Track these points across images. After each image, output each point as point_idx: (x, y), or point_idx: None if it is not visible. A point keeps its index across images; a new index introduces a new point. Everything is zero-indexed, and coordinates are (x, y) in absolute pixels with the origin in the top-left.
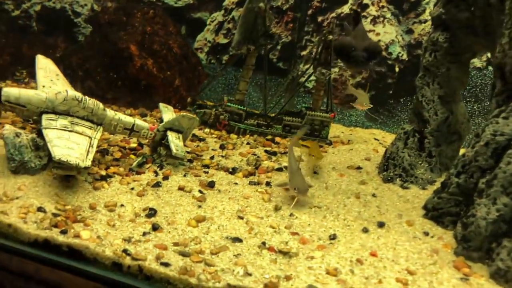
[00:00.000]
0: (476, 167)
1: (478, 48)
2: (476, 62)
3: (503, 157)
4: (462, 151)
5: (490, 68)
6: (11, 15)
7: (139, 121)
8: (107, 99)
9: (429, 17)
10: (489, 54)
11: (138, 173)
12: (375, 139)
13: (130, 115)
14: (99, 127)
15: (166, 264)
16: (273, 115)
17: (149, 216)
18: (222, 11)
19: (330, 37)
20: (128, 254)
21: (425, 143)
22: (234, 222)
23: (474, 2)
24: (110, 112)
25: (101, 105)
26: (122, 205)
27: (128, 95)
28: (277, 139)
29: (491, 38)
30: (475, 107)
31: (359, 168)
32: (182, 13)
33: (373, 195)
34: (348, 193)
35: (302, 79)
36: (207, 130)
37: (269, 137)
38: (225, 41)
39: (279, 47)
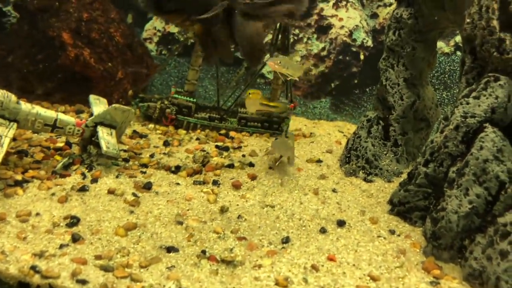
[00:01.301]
0: (446, 154)
1: (445, 23)
2: (444, 47)
3: (475, 142)
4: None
5: (459, 53)
6: None
7: (62, 116)
8: (38, 95)
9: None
10: (457, 38)
11: (62, 176)
12: (340, 131)
13: (64, 112)
14: (12, 123)
15: (83, 282)
16: (226, 101)
17: (70, 225)
18: None
19: (285, 20)
20: (37, 272)
21: (390, 131)
22: (171, 229)
23: None
24: (25, 106)
25: (13, 97)
26: (37, 214)
27: (62, 90)
28: (232, 133)
29: (460, 11)
30: (444, 95)
31: (319, 161)
32: (129, 0)
33: (333, 191)
34: (306, 189)
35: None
36: (151, 125)
37: (223, 131)
38: (177, 30)
39: None
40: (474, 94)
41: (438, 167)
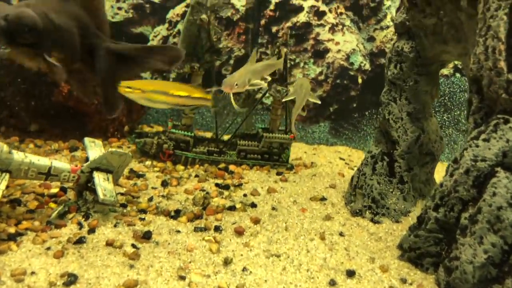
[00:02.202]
0: (457, 199)
1: (447, 57)
2: (443, 69)
3: (487, 187)
4: (437, 176)
5: (458, 75)
6: None
7: (57, 163)
8: (30, 132)
9: (391, 23)
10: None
11: (57, 226)
12: (341, 158)
13: (57, 151)
14: (4, 174)
15: None
16: (227, 137)
17: (67, 284)
18: (166, 25)
19: (285, 50)
20: None
21: (395, 167)
22: (173, 285)
23: (441, 6)
24: (18, 155)
25: (5, 147)
26: (33, 273)
27: (55, 126)
28: (232, 167)
29: (462, 46)
30: (445, 117)
31: (323, 199)
32: (121, 29)
33: (340, 234)
34: (312, 233)
35: (259, 95)
36: (148, 162)
37: (222, 165)
38: None
39: (232, 61)
40: (483, 136)
41: (449, 212)
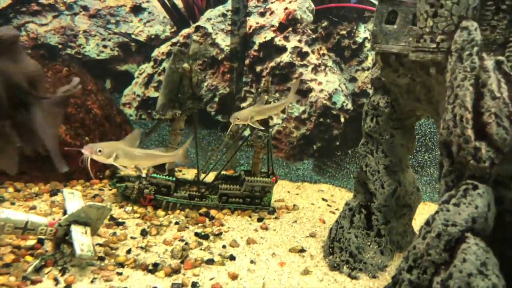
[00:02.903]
0: (429, 262)
1: (422, 112)
2: None
3: (458, 253)
4: (419, 218)
5: None
6: None
7: (34, 217)
8: (8, 175)
9: (372, 64)
10: None
11: (33, 282)
12: (323, 199)
13: (36, 195)
14: None
15: None
16: (209, 178)
17: None
18: (152, 63)
19: (266, 97)
20: None
21: (372, 220)
22: None
23: (413, 68)
24: None
25: None
26: None
27: (36, 169)
28: (213, 211)
29: (434, 107)
30: (426, 157)
31: (302, 250)
32: (106, 66)
33: None
34: None
35: (246, 133)
36: (129, 208)
37: (203, 210)
38: (156, 94)
39: (216, 99)
40: (453, 200)
41: (422, 275)
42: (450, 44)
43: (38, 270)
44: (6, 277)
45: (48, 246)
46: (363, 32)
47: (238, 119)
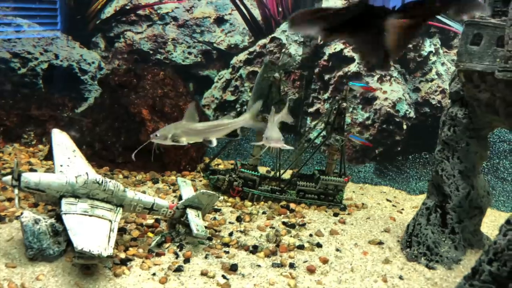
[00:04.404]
0: (510, 256)
1: (498, 125)
2: None
3: None
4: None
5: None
6: (17, 73)
7: (158, 200)
8: (117, 163)
9: (436, 76)
10: None
11: (158, 254)
12: (387, 200)
13: (142, 182)
14: (118, 208)
15: None
16: (284, 173)
17: None
18: (230, 69)
19: (344, 104)
20: None
21: (447, 219)
22: None
23: (495, 84)
24: (130, 193)
25: (121, 187)
26: None
27: (138, 159)
28: (292, 205)
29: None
30: (484, 165)
31: (380, 243)
32: (190, 71)
33: (400, 278)
34: (375, 275)
35: (311, 136)
36: (220, 197)
37: (283, 203)
38: (232, 98)
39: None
40: None
41: (502, 267)
42: None
43: (159, 245)
44: (136, 249)
45: (164, 226)
46: (428, 46)
47: (157, 136)
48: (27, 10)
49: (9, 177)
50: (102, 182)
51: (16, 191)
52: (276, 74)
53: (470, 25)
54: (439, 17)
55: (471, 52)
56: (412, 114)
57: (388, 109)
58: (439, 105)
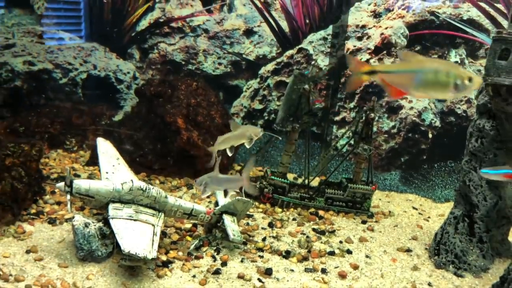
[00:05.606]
0: None
1: None
2: None
3: None
4: None
5: None
6: (58, 83)
7: (197, 206)
8: (154, 169)
9: (477, 92)
10: None
11: (197, 257)
12: (414, 207)
13: (177, 187)
14: (160, 213)
15: None
16: (313, 180)
17: None
18: (258, 79)
19: (372, 115)
20: None
21: (475, 228)
22: None
23: None
24: (171, 199)
25: (163, 193)
26: None
27: (173, 166)
28: (321, 212)
29: None
30: None
31: (409, 250)
32: (220, 81)
33: (429, 284)
34: (404, 282)
35: (338, 144)
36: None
37: (312, 210)
38: (260, 106)
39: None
40: None
41: None
42: None
43: (197, 248)
44: (176, 252)
45: (201, 230)
46: (454, 56)
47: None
48: (52, 18)
49: (62, 183)
50: (146, 188)
51: (68, 196)
52: (306, 86)
53: (497, 40)
54: (464, 27)
55: (499, 67)
56: (437, 123)
57: (414, 118)
58: (464, 114)
